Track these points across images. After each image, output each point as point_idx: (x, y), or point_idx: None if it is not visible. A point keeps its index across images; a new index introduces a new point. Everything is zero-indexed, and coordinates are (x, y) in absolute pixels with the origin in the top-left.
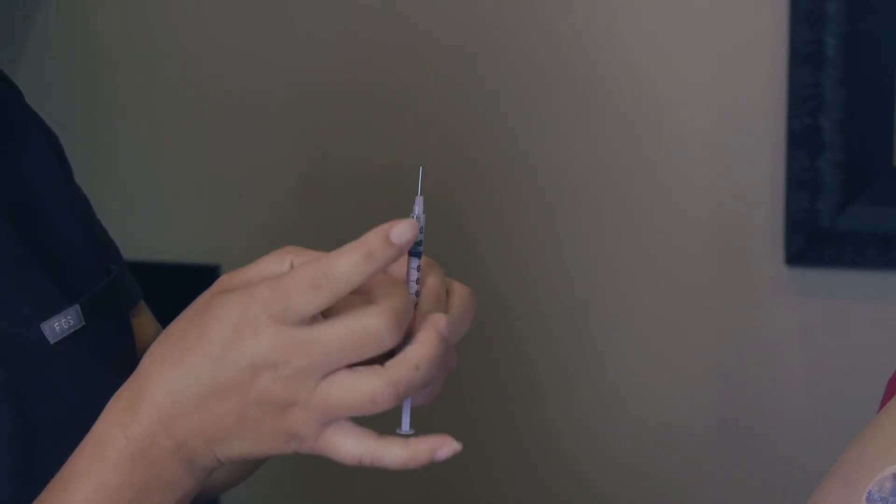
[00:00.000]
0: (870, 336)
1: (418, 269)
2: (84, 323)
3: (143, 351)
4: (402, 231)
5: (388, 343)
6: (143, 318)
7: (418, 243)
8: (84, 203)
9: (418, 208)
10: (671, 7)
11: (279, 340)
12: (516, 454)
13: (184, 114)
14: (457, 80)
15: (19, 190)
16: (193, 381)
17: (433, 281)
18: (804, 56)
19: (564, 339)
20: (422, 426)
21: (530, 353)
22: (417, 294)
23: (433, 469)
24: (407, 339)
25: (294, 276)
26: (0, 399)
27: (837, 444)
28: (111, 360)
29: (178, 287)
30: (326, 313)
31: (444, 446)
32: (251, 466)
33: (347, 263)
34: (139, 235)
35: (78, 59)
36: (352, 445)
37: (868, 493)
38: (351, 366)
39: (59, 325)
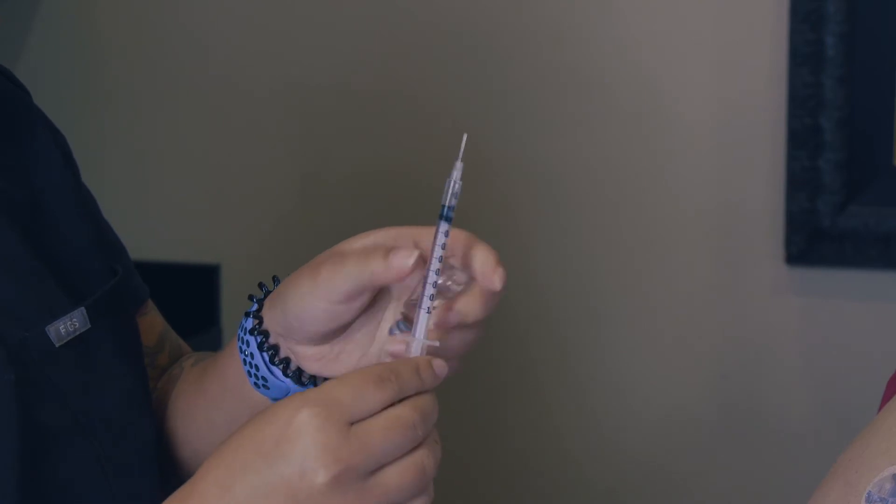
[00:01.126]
0: (870, 336)
1: (446, 233)
2: (90, 325)
3: (149, 349)
4: (442, 365)
5: (421, 434)
6: (150, 318)
7: (451, 208)
8: (91, 203)
9: (457, 173)
10: (672, 7)
11: (330, 441)
12: (522, 448)
13: (184, 114)
14: (458, 81)
15: (27, 192)
16: (242, 476)
17: (483, 255)
18: (804, 56)
19: (568, 338)
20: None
21: (535, 351)
22: (441, 259)
23: (443, 467)
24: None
25: (361, 371)
26: (5, 403)
27: (837, 443)
28: (117, 362)
29: (178, 287)
30: None
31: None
32: None
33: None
34: (139, 235)
35: (79, 58)
36: None
37: (867, 493)
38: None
39: (64, 328)
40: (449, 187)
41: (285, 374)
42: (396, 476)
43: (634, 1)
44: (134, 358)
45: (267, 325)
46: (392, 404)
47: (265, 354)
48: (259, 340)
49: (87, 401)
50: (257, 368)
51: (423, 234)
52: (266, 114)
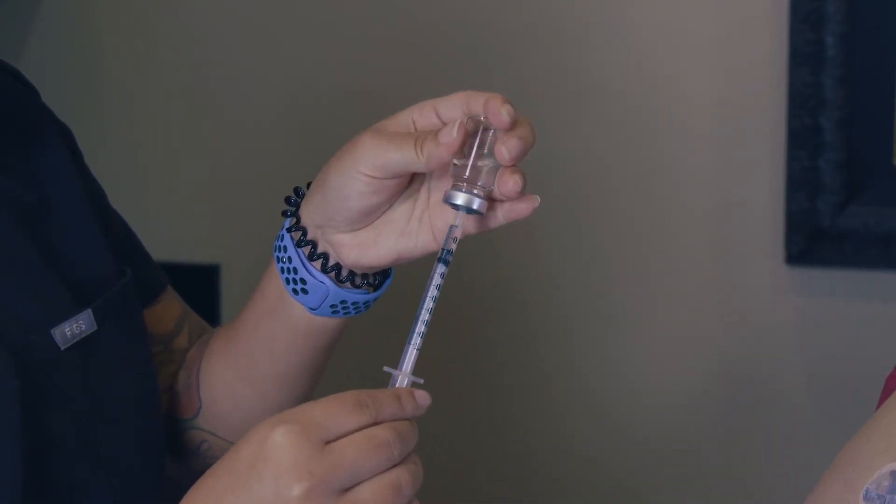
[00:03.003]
0: (870, 336)
1: (443, 275)
2: (96, 327)
3: (165, 335)
4: (424, 396)
5: (397, 454)
6: (165, 304)
7: (450, 252)
8: (101, 197)
9: (460, 219)
10: (671, 7)
11: (302, 456)
12: (529, 444)
13: (184, 114)
14: (459, 82)
15: (36, 192)
16: (219, 500)
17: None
18: (804, 56)
19: (569, 336)
20: (433, 420)
21: (538, 349)
22: (435, 299)
23: (448, 463)
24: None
25: (339, 395)
26: (10, 408)
27: (837, 443)
28: (124, 363)
29: (178, 287)
30: None
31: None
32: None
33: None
34: (140, 235)
35: (79, 58)
36: None
37: (865, 491)
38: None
39: (69, 330)
40: (450, 232)
41: (324, 271)
42: (370, 493)
43: (634, 1)
44: (141, 359)
45: (304, 221)
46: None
47: (302, 251)
48: (297, 238)
49: (91, 403)
50: (295, 272)
51: (438, 103)
52: (267, 114)
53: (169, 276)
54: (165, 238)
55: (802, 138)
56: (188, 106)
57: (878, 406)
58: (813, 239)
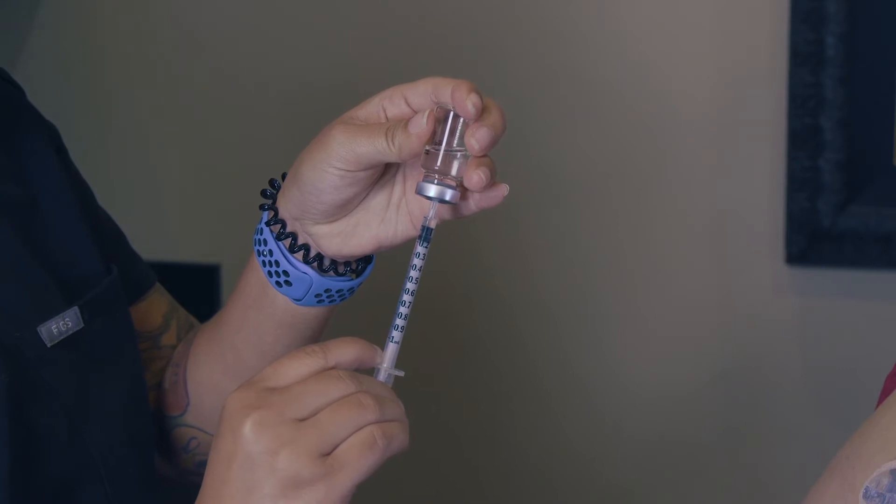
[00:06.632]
0: (870, 336)
1: (419, 255)
2: (83, 325)
3: (152, 332)
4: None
5: (350, 385)
6: (152, 300)
7: (431, 230)
8: (88, 196)
9: (434, 208)
10: (671, 7)
11: (246, 399)
12: (525, 446)
13: (184, 114)
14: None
15: (24, 190)
16: (206, 488)
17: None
18: (804, 56)
19: (568, 337)
20: (431, 421)
21: (535, 351)
22: (416, 280)
23: (443, 465)
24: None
25: (291, 353)
26: None
27: (836, 442)
28: (112, 361)
29: (178, 287)
30: None
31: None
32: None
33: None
34: (139, 235)
35: (78, 58)
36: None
37: (865, 489)
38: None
39: (56, 328)
40: (424, 223)
41: (306, 262)
42: (329, 412)
43: (634, 1)
44: (130, 357)
45: (282, 213)
46: None
47: (283, 244)
48: (276, 231)
49: (81, 400)
50: (277, 265)
51: (407, 90)
52: (266, 114)
53: (169, 276)
54: (165, 238)
55: (802, 138)
56: (188, 106)
57: (878, 404)
58: (813, 239)
